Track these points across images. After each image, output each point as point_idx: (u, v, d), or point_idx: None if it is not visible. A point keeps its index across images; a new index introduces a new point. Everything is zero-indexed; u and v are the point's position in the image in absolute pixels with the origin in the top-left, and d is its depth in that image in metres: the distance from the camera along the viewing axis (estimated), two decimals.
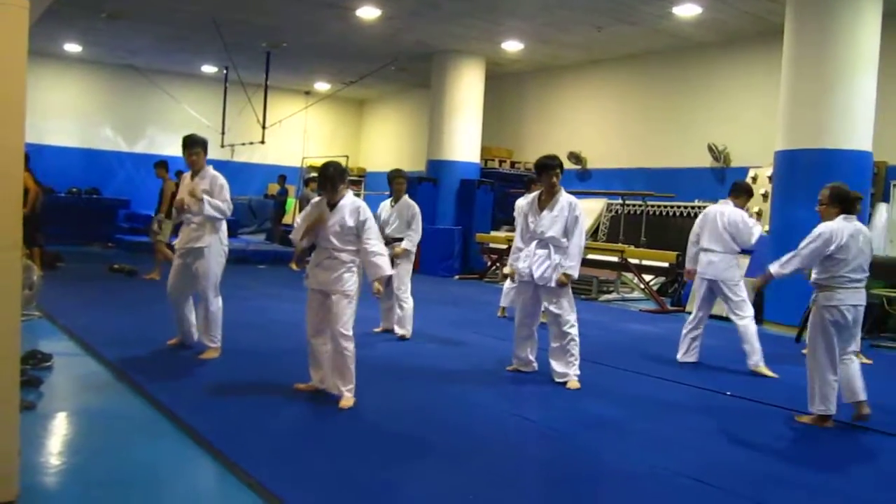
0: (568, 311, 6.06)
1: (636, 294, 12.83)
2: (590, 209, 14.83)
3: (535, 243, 6.10)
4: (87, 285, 10.42)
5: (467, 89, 16.00)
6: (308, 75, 19.74)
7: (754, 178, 11.91)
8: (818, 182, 8.99)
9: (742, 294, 6.93)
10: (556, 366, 6.10)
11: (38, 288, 6.23)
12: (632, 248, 12.06)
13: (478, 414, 5.16)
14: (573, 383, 5.98)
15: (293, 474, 3.80)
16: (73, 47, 17.57)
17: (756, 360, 6.81)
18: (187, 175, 6.54)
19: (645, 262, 12.03)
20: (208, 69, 19.28)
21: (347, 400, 5.04)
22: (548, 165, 6.00)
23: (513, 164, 17.20)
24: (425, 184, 15.59)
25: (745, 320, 6.86)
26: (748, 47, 13.34)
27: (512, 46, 15.03)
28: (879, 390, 6.66)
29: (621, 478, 4.05)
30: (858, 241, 5.17)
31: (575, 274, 6.01)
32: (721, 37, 13.43)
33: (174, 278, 6.43)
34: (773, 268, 5.37)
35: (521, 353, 6.40)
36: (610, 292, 12.76)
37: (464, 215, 15.65)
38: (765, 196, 11.78)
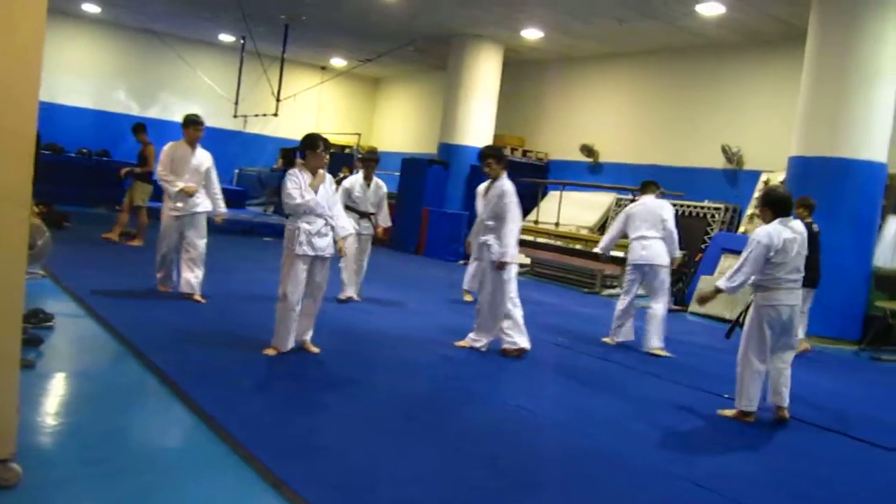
0: (498, 293, 6.43)
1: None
2: (599, 203, 14.82)
3: (483, 227, 6.66)
4: (91, 247, 10.42)
5: (484, 74, 15.91)
6: (325, 50, 19.66)
7: (766, 182, 11.85)
8: (832, 189, 9.10)
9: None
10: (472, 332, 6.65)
11: (45, 248, 6.21)
12: None
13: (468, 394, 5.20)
14: (464, 342, 6.60)
15: (285, 447, 3.81)
16: (91, 7, 17.50)
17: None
18: (178, 146, 7.23)
19: None
20: (226, 38, 19.21)
21: (315, 346, 5.80)
22: (483, 155, 6.62)
23: (524, 153, 17.13)
24: (436, 167, 15.51)
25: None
26: (768, 50, 13.23)
27: (531, 34, 14.93)
28: (876, 402, 6.68)
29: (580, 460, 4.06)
30: (795, 244, 5.24)
31: (506, 259, 6.35)
32: (742, 38, 13.32)
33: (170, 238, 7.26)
34: (721, 283, 5.39)
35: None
36: (614, 287, 12.74)
37: (472, 200, 15.48)
38: None
